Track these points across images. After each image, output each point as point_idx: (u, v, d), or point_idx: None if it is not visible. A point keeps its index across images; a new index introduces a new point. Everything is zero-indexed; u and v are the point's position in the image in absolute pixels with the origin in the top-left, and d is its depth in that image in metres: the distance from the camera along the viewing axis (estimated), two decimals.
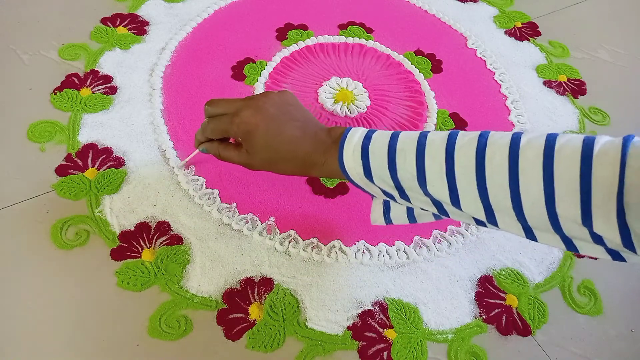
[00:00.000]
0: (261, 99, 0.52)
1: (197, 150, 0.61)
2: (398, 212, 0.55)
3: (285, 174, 0.54)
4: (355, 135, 0.50)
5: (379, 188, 0.50)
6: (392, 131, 0.50)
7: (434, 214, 0.53)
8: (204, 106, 0.55)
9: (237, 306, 0.60)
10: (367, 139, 0.49)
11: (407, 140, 0.47)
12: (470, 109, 0.89)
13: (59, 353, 0.55)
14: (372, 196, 0.55)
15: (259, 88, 0.84)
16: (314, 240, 0.68)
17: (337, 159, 0.49)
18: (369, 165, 0.48)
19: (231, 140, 0.59)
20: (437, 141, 0.45)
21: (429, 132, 0.48)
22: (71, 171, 0.69)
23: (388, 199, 0.53)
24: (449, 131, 0.47)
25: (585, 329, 0.65)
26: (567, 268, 0.71)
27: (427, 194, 0.47)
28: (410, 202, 0.50)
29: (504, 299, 0.66)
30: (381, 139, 0.48)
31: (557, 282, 0.69)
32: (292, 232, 0.68)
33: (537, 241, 0.44)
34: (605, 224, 0.36)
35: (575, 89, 0.97)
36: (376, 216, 0.57)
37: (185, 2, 0.96)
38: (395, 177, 0.47)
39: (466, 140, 0.44)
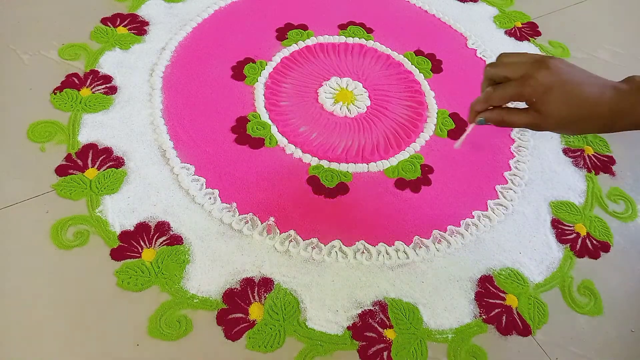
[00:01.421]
0: (548, 60, 0.50)
1: (473, 124, 0.54)
2: None
3: (583, 133, 0.51)
4: None
5: None
6: None
7: None
8: (485, 68, 0.52)
9: (237, 306, 0.60)
10: None
11: None
12: None
13: (59, 353, 0.55)
14: None
15: (259, 88, 0.84)
16: (314, 240, 0.68)
17: None
18: None
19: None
20: None
21: None
22: (71, 171, 0.69)
23: None
24: None
25: (585, 329, 0.65)
26: (567, 268, 0.71)
27: None
28: None
29: (504, 299, 0.66)
30: None
31: (557, 282, 0.69)
32: (292, 232, 0.68)
33: None
34: None
35: None
36: None
37: (185, 2, 0.96)
38: None
39: None
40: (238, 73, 0.86)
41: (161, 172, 0.71)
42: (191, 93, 0.82)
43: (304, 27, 0.96)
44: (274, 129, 0.79)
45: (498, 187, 0.79)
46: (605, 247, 0.74)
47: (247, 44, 0.91)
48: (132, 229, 0.65)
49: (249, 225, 0.68)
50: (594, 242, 0.74)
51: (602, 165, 0.85)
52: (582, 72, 0.51)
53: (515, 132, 0.87)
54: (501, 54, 0.52)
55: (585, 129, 0.50)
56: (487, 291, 0.67)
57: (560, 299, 0.68)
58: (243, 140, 0.77)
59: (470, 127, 0.55)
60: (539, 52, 1.02)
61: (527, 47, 1.03)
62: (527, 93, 0.49)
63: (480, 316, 0.64)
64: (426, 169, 0.78)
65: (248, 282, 0.62)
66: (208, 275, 0.62)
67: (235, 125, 0.79)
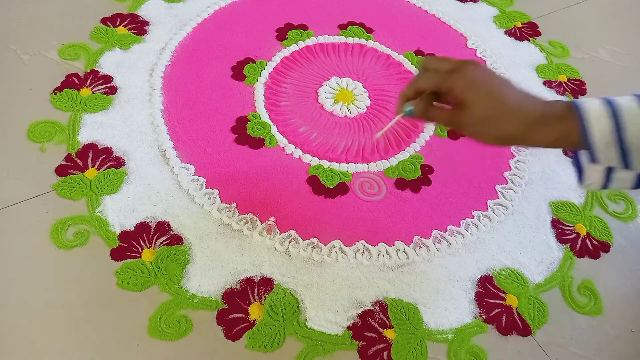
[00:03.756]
0: (478, 61, 0.50)
1: (401, 115, 0.53)
2: (623, 176, 0.50)
3: (499, 137, 0.50)
4: (592, 100, 0.47)
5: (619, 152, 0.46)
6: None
7: None
8: (419, 61, 0.52)
9: (237, 306, 0.60)
10: (608, 102, 0.47)
11: None
12: None
13: (59, 352, 0.55)
14: (578, 167, 0.51)
15: (259, 88, 0.84)
16: (314, 240, 0.68)
17: (577, 119, 0.46)
18: (619, 124, 0.45)
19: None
20: None
21: None
22: (71, 171, 0.69)
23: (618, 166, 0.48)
24: None
25: (585, 329, 0.65)
26: (567, 268, 0.71)
27: None
28: None
29: (504, 299, 0.66)
30: (626, 100, 0.46)
31: (557, 282, 0.69)
32: (292, 232, 0.68)
33: None
34: None
35: (575, 89, 0.97)
36: (592, 180, 0.51)
37: (185, 2, 0.96)
38: None
39: None
40: (238, 73, 0.86)
41: (161, 172, 0.71)
42: (191, 93, 0.82)
43: (304, 27, 0.96)
44: (274, 129, 0.79)
45: (498, 187, 0.79)
46: (605, 247, 0.74)
47: (247, 44, 0.91)
48: (132, 229, 0.65)
49: (249, 225, 0.68)
50: (594, 242, 0.74)
51: None
52: (510, 81, 0.51)
53: None
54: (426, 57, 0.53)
55: (503, 130, 0.49)
56: (487, 291, 0.67)
57: (560, 299, 0.68)
58: (243, 140, 0.77)
59: (396, 118, 0.54)
60: (538, 52, 1.02)
61: (527, 47, 1.03)
62: (452, 81, 0.49)
63: (480, 316, 0.64)
64: (426, 169, 0.78)
65: (248, 282, 0.62)
66: (208, 275, 0.62)
67: (235, 125, 0.79)
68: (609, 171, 0.50)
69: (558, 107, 0.47)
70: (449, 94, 0.50)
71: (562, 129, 0.47)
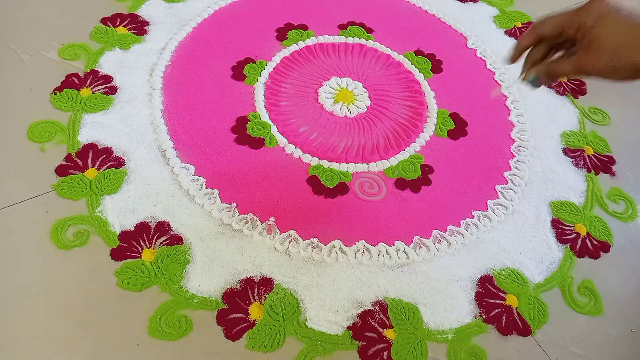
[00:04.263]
0: None
1: (521, 79, 0.51)
2: None
3: (637, 64, 0.48)
4: None
5: None
6: None
7: None
8: (531, 26, 0.51)
9: (237, 306, 0.60)
10: None
11: None
12: (470, 109, 0.89)
13: (59, 353, 0.55)
14: None
15: (259, 88, 0.84)
16: (314, 240, 0.68)
17: None
18: None
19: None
20: None
21: None
22: (71, 171, 0.69)
23: None
24: None
25: (585, 329, 0.65)
26: (567, 268, 0.71)
27: None
28: None
29: (504, 299, 0.66)
30: None
31: (557, 282, 0.69)
32: (292, 232, 0.68)
33: None
34: None
35: (575, 89, 0.97)
36: None
37: (185, 2, 0.96)
38: None
39: None
40: (238, 73, 0.86)
41: (161, 172, 0.71)
42: (191, 93, 0.82)
43: (304, 27, 0.96)
44: (274, 129, 0.79)
45: (498, 187, 0.79)
46: (605, 247, 0.74)
47: (247, 44, 0.91)
48: (132, 229, 0.65)
49: (249, 225, 0.68)
50: (594, 242, 0.74)
51: (602, 165, 0.85)
52: (634, 12, 0.49)
53: (515, 133, 0.87)
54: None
55: (636, 59, 0.47)
56: (487, 291, 0.67)
57: (560, 299, 0.68)
58: (243, 140, 0.77)
59: (518, 81, 0.51)
60: None
61: None
62: (581, 19, 0.48)
63: (480, 316, 0.64)
64: (426, 169, 0.78)
65: (248, 282, 0.62)
66: (208, 275, 0.62)
67: (235, 125, 0.79)
68: None
69: None
70: (576, 34, 0.49)
71: None
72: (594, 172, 0.83)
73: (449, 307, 0.64)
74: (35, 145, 0.71)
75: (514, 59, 0.52)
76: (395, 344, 0.60)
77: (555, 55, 0.50)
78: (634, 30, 0.47)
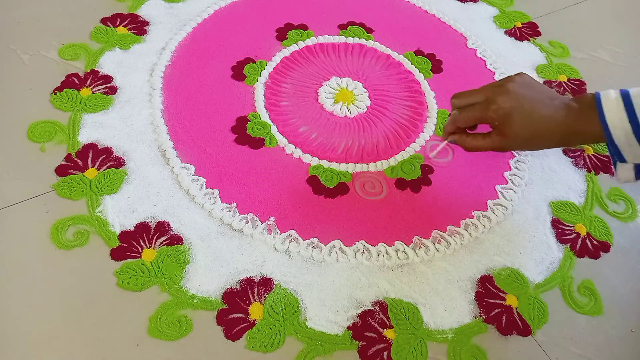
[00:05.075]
0: (506, 84, 0.56)
1: (445, 142, 0.63)
2: None
3: (543, 148, 0.57)
4: (610, 94, 0.52)
5: None
6: None
7: None
8: (451, 100, 0.60)
9: (237, 306, 0.60)
10: (624, 95, 0.51)
11: None
12: None
13: (59, 353, 0.55)
14: (614, 162, 0.56)
15: (259, 88, 0.84)
16: (314, 240, 0.68)
17: (599, 120, 0.51)
18: (637, 120, 0.49)
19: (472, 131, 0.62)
20: None
21: None
22: (71, 171, 0.69)
23: None
24: None
25: (585, 329, 0.65)
26: (567, 268, 0.71)
27: None
28: None
29: (504, 299, 0.66)
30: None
31: (557, 282, 0.69)
32: (292, 232, 0.68)
33: None
34: None
35: (575, 89, 0.97)
36: (625, 176, 0.56)
37: (185, 2, 0.96)
38: None
39: None
40: (238, 73, 0.86)
41: (161, 172, 0.71)
42: (191, 93, 0.82)
43: (304, 27, 0.96)
44: (274, 129, 0.79)
45: (498, 187, 0.79)
46: (605, 247, 0.74)
47: (247, 44, 0.91)
48: (132, 229, 0.65)
49: (249, 225, 0.68)
50: (594, 242, 0.74)
51: (602, 165, 0.85)
52: (539, 92, 0.56)
53: None
54: (457, 92, 0.61)
55: (545, 146, 0.56)
56: (487, 291, 0.67)
57: (560, 299, 0.68)
58: (243, 140, 0.77)
59: (443, 143, 0.65)
60: (538, 52, 1.02)
61: (527, 47, 1.03)
62: (488, 117, 0.55)
63: (480, 316, 0.64)
64: (426, 169, 0.78)
65: (248, 282, 0.62)
66: (208, 275, 0.62)
67: (235, 125, 0.79)
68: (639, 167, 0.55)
69: (585, 117, 0.52)
70: (491, 124, 0.56)
71: (592, 134, 0.53)
72: (594, 172, 0.83)
73: (448, 307, 0.64)
74: (35, 145, 0.71)
75: (445, 137, 0.63)
76: (395, 344, 0.60)
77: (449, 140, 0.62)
78: (535, 127, 0.53)
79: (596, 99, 0.52)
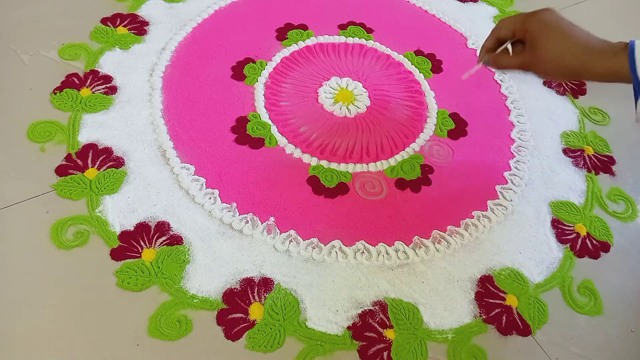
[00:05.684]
0: (545, 9, 0.58)
1: (480, 64, 0.64)
2: None
3: (565, 67, 0.57)
4: None
5: None
6: None
7: None
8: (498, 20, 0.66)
9: (237, 306, 0.60)
10: None
11: None
12: (470, 109, 0.89)
13: (59, 353, 0.55)
14: (636, 97, 0.57)
15: (259, 88, 0.84)
16: (314, 240, 0.68)
17: (627, 56, 0.53)
18: None
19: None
20: None
21: None
22: (71, 171, 0.69)
23: None
24: None
25: (585, 329, 0.65)
26: (567, 268, 0.71)
27: None
28: None
29: (504, 299, 0.66)
30: None
31: (557, 282, 0.69)
32: (292, 232, 0.68)
33: None
34: None
35: (575, 89, 0.97)
36: None
37: (185, 2, 0.96)
38: None
39: None
40: (238, 73, 0.86)
41: (161, 172, 0.71)
42: (191, 93, 0.82)
43: (304, 27, 0.96)
44: (274, 129, 0.79)
45: (498, 187, 0.79)
46: (605, 247, 0.74)
47: (247, 44, 0.91)
48: (132, 229, 0.65)
49: (249, 225, 0.68)
50: (594, 242, 0.74)
51: (602, 165, 0.85)
52: (576, 25, 0.59)
53: (515, 133, 0.87)
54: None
55: (569, 62, 0.57)
56: (487, 291, 0.67)
57: (560, 299, 0.68)
58: (243, 140, 0.77)
59: (477, 66, 0.65)
60: None
61: None
62: (527, 26, 0.58)
63: (480, 316, 0.64)
64: (426, 169, 0.78)
65: (248, 282, 0.62)
66: (208, 275, 0.62)
67: (235, 125, 0.79)
68: None
69: (615, 46, 0.55)
70: (524, 37, 0.58)
71: (616, 64, 0.55)
72: (594, 172, 0.83)
73: (448, 307, 0.64)
74: (35, 145, 0.71)
75: (480, 59, 0.64)
76: (395, 344, 0.60)
77: (504, 45, 0.62)
78: (566, 41, 0.56)
79: (629, 44, 0.55)
